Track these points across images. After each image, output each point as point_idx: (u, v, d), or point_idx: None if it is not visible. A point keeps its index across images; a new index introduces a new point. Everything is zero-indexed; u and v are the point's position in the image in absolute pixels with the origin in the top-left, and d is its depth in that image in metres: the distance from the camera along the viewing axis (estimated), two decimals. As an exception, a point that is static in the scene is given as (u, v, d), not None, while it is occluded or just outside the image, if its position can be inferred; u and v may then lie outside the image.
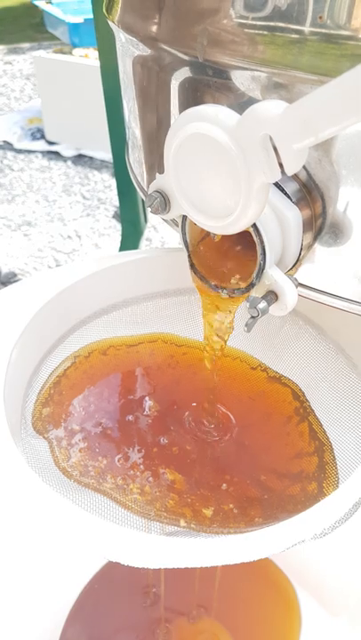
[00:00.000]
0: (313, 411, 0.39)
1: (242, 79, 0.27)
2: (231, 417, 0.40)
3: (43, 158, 1.77)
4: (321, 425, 0.38)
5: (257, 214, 0.24)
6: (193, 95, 0.30)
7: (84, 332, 0.43)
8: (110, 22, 0.38)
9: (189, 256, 0.31)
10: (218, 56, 0.27)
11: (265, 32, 0.24)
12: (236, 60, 0.26)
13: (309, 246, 0.29)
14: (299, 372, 0.41)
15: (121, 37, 0.37)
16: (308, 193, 0.28)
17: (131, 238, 0.76)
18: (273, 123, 0.21)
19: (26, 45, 3.27)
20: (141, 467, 0.36)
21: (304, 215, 0.28)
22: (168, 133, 0.25)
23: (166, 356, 0.45)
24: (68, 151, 1.78)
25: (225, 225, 0.25)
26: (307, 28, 0.23)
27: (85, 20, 1.74)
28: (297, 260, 0.29)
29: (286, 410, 0.40)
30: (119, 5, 0.36)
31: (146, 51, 0.33)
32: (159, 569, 0.57)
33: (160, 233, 1.32)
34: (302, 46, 0.23)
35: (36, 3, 2.02)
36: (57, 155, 1.78)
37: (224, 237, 0.30)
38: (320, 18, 0.23)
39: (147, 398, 0.42)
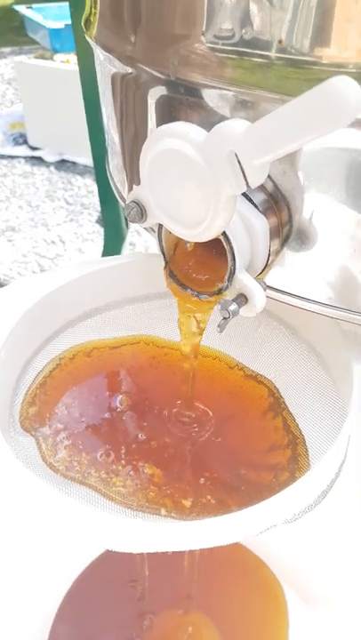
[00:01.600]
0: (287, 406, 0.41)
1: (211, 97, 0.29)
2: (210, 413, 0.42)
3: (25, 164, 1.78)
4: (294, 419, 0.40)
5: (225, 223, 0.27)
6: (167, 110, 0.32)
7: (68, 334, 0.45)
8: (88, 38, 0.40)
9: (166, 262, 0.32)
10: (189, 75, 0.29)
11: (233, 56, 0.26)
12: (206, 79, 0.29)
13: (277, 252, 0.32)
14: (273, 371, 0.44)
15: (98, 53, 0.39)
16: (275, 202, 0.30)
17: (113, 243, 0.78)
18: (237, 140, 0.23)
19: (6, 50, 3.27)
20: (123, 462, 0.37)
21: (271, 223, 0.30)
22: (143, 148, 0.27)
23: (148, 357, 0.47)
24: (50, 156, 1.79)
25: (197, 233, 0.28)
26: (272, 54, 0.25)
27: (66, 25, 1.75)
28: (265, 265, 0.31)
29: (262, 406, 0.42)
30: (96, 23, 0.38)
31: (122, 68, 0.35)
32: (144, 563, 0.59)
33: (143, 237, 1.34)
34: (268, 70, 0.25)
35: (17, 7, 2.03)
36: (40, 160, 1.79)
37: (197, 244, 0.32)
38: (280, 42, 0.25)
39: (129, 397, 0.44)
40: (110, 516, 0.27)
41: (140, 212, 0.30)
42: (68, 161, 1.77)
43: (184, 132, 0.25)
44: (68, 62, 1.71)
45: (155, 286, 0.47)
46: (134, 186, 0.29)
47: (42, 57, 1.77)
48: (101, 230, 1.44)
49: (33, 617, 0.55)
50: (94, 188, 1.64)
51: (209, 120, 0.29)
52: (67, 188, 1.64)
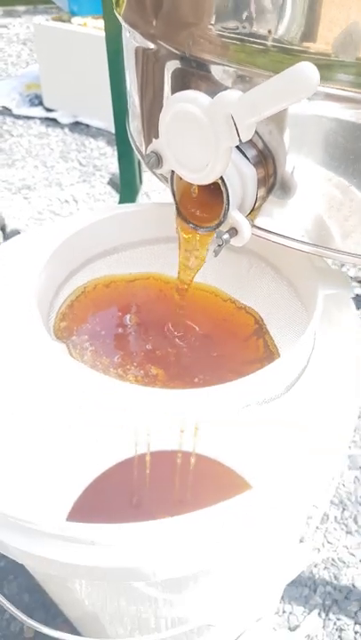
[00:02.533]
0: (268, 331, 0.51)
1: (217, 71, 0.37)
2: (205, 334, 0.51)
3: (41, 125, 1.84)
4: (273, 340, 0.49)
5: (223, 169, 0.35)
6: (181, 79, 0.40)
7: (90, 268, 0.53)
8: (116, 14, 0.48)
9: (176, 203, 0.41)
10: (199, 53, 0.38)
11: (236, 42, 0.34)
12: (213, 57, 0.37)
13: (264, 198, 0.40)
14: (260, 303, 0.53)
15: (125, 28, 0.47)
16: (263, 157, 0.39)
17: (128, 196, 0.86)
18: (232, 105, 0.32)
19: (21, 9, 3.27)
20: (135, 364, 0.47)
21: (259, 173, 0.38)
22: (162, 110, 0.36)
23: (157, 289, 0.56)
24: (65, 118, 1.85)
25: (201, 177, 0.36)
26: (268, 43, 0.33)
27: (84, -11, 1.79)
28: (253, 208, 0.40)
29: (248, 330, 0.51)
30: (124, 5, 0.46)
31: (144, 43, 0.43)
32: (144, 474, 0.69)
33: (152, 199, 1.41)
34: (264, 54, 0.34)
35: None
36: (54, 121, 1.86)
37: (200, 189, 0.40)
38: (269, 32, 0.33)
39: (139, 319, 0.53)
40: (131, 385, 0.37)
41: (158, 161, 0.38)
42: (81, 123, 1.83)
43: (193, 98, 0.34)
44: (85, 25, 1.76)
45: (163, 231, 0.56)
46: (153, 139, 0.38)
47: (59, 19, 1.82)
48: (112, 192, 1.52)
49: (53, 503, 0.65)
50: (107, 150, 1.70)
51: (213, 89, 0.38)
52: (80, 150, 1.70)
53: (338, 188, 0.38)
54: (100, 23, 1.75)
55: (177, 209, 0.42)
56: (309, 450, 0.41)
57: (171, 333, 0.51)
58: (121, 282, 0.56)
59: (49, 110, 1.89)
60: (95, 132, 1.79)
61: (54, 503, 0.45)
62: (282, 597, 0.70)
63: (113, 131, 1.76)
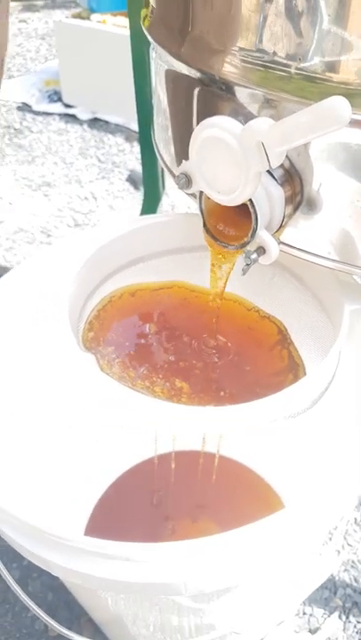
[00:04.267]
0: (293, 341, 0.51)
1: (244, 95, 0.38)
2: (229, 344, 0.52)
3: (60, 121, 1.85)
4: (297, 351, 0.50)
5: (252, 192, 0.36)
6: (209, 101, 0.41)
7: (118, 277, 0.54)
8: (144, 29, 0.49)
9: (204, 221, 0.42)
10: (226, 76, 0.38)
11: (260, 68, 0.35)
12: (239, 80, 0.37)
13: (290, 215, 0.41)
14: (283, 313, 0.53)
15: (151, 47, 0.47)
16: (291, 177, 0.39)
17: (151, 201, 0.87)
18: (263, 134, 0.32)
19: (40, 3, 3.27)
20: (160, 376, 0.48)
21: (286, 193, 0.39)
22: (193, 134, 0.36)
23: (181, 298, 0.57)
24: (84, 114, 1.86)
25: (230, 199, 0.37)
26: (292, 70, 0.33)
27: (103, -15, 1.79)
28: (281, 226, 0.40)
29: (272, 340, 0.52)
30: (151, 22, 0.46)
31: (172, 62, 0.43)
32: (169, 475, 0.70)
33: (170, 198, 1.42)
34: (288, 81, 0.34)
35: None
36: (73, 118, 1.86)
37: (228, 208, 0.41)
38: (299, 60, 0.34)
39: (164, 329, 0.54)
40: (157, 400, 0.38)
41: (188, 182, 0.39)
42: (100, 119, 1.84)
43: (224, 124, 0.34)
44: (104, 22, 1.76)
45: (188, 241, 0.57)
46: (183, 161, 0.39)
47: (79, 16, 1.82)
48: (131, 188, 1.53)
49: (76, 505, 0.67)
50: (125, 146, 1.71)
51: (241, 112, 0.38)
52: (99, 147, 1.71)
53: (365, 208, 0.38)
54: (119, 20, 1.74)
55: (205, 227, 0.42)
56: (336, 463, 0.41)
57: (196, 343, 0.51)
58: (146, 290, 0.57)
59: (68, 106, 1.90)
60: (114, 129, 1.79)
61: (82, 498, 0.46)
62: (303, 600, 0.71)
63: (131, 127, 1.77)
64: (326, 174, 0.38)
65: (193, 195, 0.43)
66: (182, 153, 0.47)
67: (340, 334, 0.41)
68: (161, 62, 0.45)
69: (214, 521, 0.75)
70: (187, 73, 0.42)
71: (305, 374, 0.48)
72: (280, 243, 0.42)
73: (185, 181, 0.39)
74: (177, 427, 0.38)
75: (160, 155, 0.54)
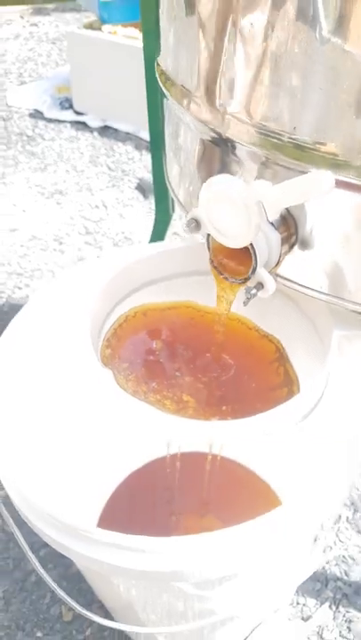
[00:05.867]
0: (289, 359, 0.57)
1: (244, 153, 0.43)
2: (232, 361, 0.58)
3: (71, 128, 1.91)
4: (293, 368, 0.56)
5: (253, 238, 0.42)
6: (216, 157, 0.47)
7: (132, 298, 0.60)
8: (157, 72, 0.55)
9: (210, 258, 0.48)
10: (232, 137, 0.44)
11: (261, 136, 0.41)
12: (240, 140, 0.43)
13: (286, 253, 0.47)
14: (281, 333, 0.59)
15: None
16: (287, 222, 0.45)
17: (161, 226, 0.94)
18: (263, 195, 0.38)
19: (50, 6, 3.32)
20: (169, 391, 0.54)
21: (282, 235, 0.45)
22: (202, 188, 0.42)
23: (189, 317, 0.63)
24: (94, 122, 1.91)
25: (234, 243, 0.43)
26: (285, 139, 0.39)
27: (115, -3, 1.84)
28: (277, 263, 0.46)
29: (270, 357, 0.58)
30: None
31: (181, 112, 0.49)
32: (175, 474, 0.77)
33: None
34: (282, 147, 0.40)
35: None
36: (84, 125, 1.92)
37: (232, 249, 0.47)
38: (294, 128, 0.40)
39: (173, 346, 0.60)
40: (168, 415, 0.44)
41: (197, 226, 0.45)
42: (110, 127, 1.90)
43: (229, 182, 0.40)
44: (114, 33, 1.81)
45: (196, 266, 0.62)
46: (193, 208, 0.45)
47: (90, 27, 1.87)
48: (140, 197, 1.59)
49: (91, 498, 0.73)
50: (134, 155, 1.77)
51: (243, 168, 0.44)
52: (109, 155, 1.77)
53: (351, 250, 0.44)
54: (130, 31, 1.80)
55: (212, 262, 0.48)
56: (325, 466, 0.47)
57: (202, 360, 0.58)
58: (157, 310, 0.63)
59: (79, 114, 1.96)
60: (124, 137, 1.85)
61: (98, 493, 0.52)
62: (296, 590, 0.77)
63: (141, 135, 1.83)
64: (318, 219, 0.44)
65: (201, 235, 0.49)
66: (193, 194, 0.53)
67: (329, 357, 0.47)
68: (173, 112, 0.51)
69: (218, 517, 0.81)
70: (194, 124, 0.48)
71: (299, 390, 0.55)
72: (277, 276, 0.48)
73: (194, 225, 0.45)
74: (184, 438, 0.44)
75: (170, 186, 0.60)
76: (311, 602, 0.76)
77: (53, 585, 0.52)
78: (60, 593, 0.52)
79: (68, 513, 0.43)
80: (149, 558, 0.41)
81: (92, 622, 0.80)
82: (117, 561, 0.41)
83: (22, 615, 0.77)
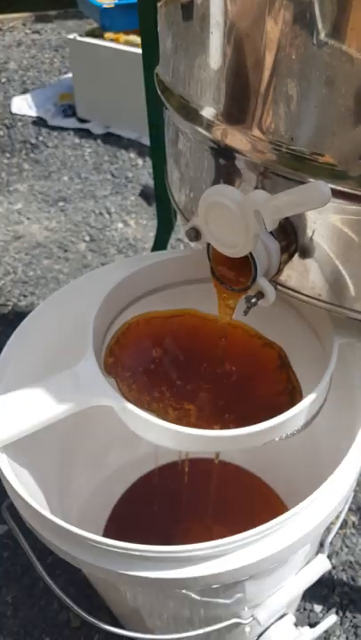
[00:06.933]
0: (291, 366, 0.57)
1: (242, 163, 0.44)
2: (234, 368, 0.58)
3: (74, 136, 1.92)
4: (295, 375, 0.56)
5: (252, 247, 0.42)
6: (215, 165, 0.47)
7: (135, 307, 0.61)
8: (156, 81, 0.55)
9: (211, 267, 0.48)
10: (233, 145, 0.44)
11: (259, 146, 0.41)
12: (241, 151, 0.44)
13: (286, 262, 0.47)
14: (283, 340, 0.60)
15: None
16: (286, 231, 0.45)
17: (164, 233, 0.94)
18: (260, 204, 0.38)
19: (53, 13, 3.34)
20: (171, 399, 0.54)
21: (282, 244, 0.45)
22: (201, 198, 0.43)
23: (191, 325, 0.63)
24: (97, 129, 1.92)
25: (233, 252, 0.43)
26: (283, 149, 0.40)
27: (116, 4, 1.85)
28: (277, 272, 0.46)
29: (273, 364, 0.58)
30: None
31: (181, 122, 0.49)
32: (183, 482, 0.77)
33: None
34: (281, 157, 0.40)
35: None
36: (87, 132, 1.93)
37: (232, 257, 0.47)
38: (292, 139, 0.40)
39: (176, 354, 0.60)
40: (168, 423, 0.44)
41: (197, 235, 0.45)
42: (113, 134, 1.91)
43: (227, 192, 0.41)
44: (116, 40, 1.82)
45: (197, 274, 0.63)
46: (193, 217, 0.45)
47: (92, 34, 1.88)
48: (144, 203, 1.59)
49: (96, 506, 0.74)
50: (138, 161, 1.77)
51: (242, 177, 0.44)
52: (112, 161, 1.78)
53: (351, 258, 0.44)
54: (131, 38, 1.81)
55: (212, 271, 0.49)
56: (328, 471, 0.47)
57: (204, 367, 0.58)
58: (160, 318, 0.63)
59: (82, 121, 1.97)
60: (127, 143, 1.86)
61: (104, 499, 0.52)
62: (303, 596, 0.77)
63: (143, 142, 1.84)
64: (318, 228, 0.44)
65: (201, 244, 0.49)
66: (193, 203, 0.54)
67: (330, 364, 0.47)
68: (172, 122, 0.52)
69: (222, 523, 0.81)
70: (194, 138, 0.48)
71: (301, 397, 0.55)
72: (277, 285, 0.48)
73: (195, 234, 0.45)
74: (187, 446, 0.44)
75: (171, 194, 0.60)
76: (318, 608, 0.76)
77: (60, 593, 0.52)
78: (67, 600, 0.52)
79: (73, 521, 0.43)
80: (155, 565, 0.41)
81: (99, 628, 0.80)
82: (123, 568, 0.42)
83: (30, 621, 0.78)
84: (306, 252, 0.46)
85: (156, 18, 0.54)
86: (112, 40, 1.84)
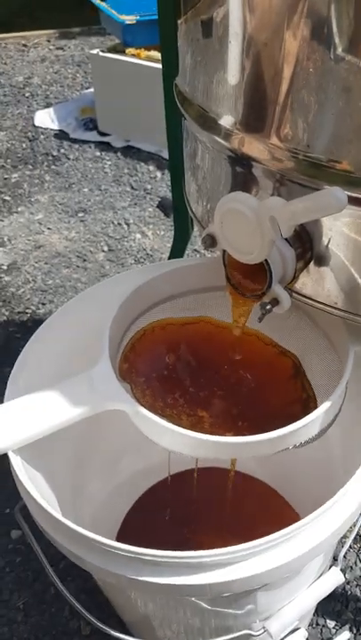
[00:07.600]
0: (305, 374, 0.57)
1: (259, 171, 0.44)
2: (249, 376, 0.58)
3: (95, 149, 1.94)
4: (310, 383, 0.56)
5: (267, 254, 0.43)
6: (231, 174, 0.48)
7: (151, 314, 0.61)
8: (176, 96, 0.56)
9: (226, 273, 0.49)
10: (246, 151, 0.45)
11: (276, 153, 0.42)
12: (258, 159, 0.44)
13: (302, 269, 0.47)
14: (298, 348, 0.59)
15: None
16: (302, 238, 0.45)
17: (181, 241, 0.95)
18: (276, 210, 0.39)
19: (76, 30, 3.40)
20: (185, 406, 0.55)
21: (297, 251, 0.45)
22: (217, 205, 0.43)
23: (206, 332, 0.63)
24: (118, 142, 1.95)
25: (249, 259, 0.44)
26: (300, 157, 0.40)
27: (137, 20, 1.89)
28: (293, 279, 0.46)
29: (287, 373, 0.58)
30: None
31: (199, 132, 0.50)
32: (192, 488, 0.77)
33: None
34: (298, 164, 0.41)
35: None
36: (108, 145, 1.96)
37: (247, 264, 0.47)
38: (308, 146, 0.40)
39: (190, 361, 0.60)
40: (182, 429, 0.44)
41: (213, 242, 0.46)
42: (133, 147, 1.93)
43: (243, 199, 0.41)
44: (138, 56, 1.85)
45: (213, 282, 0.63)
46: (210, 224, 0.46)
47: (114, 49, 1.92)
48: (162, 215, 1.61)
49: (110, 512, 0.74)
50: (157, 174, 1.79)
51: (259, 184, 0.45)
52: (132, 174, 1.80)
53: (366, 266, 0.44)
54: (152, 54, 1.84)
55: (227, 278, 0.49)
56: (342, 482, 0.47)
57: (219, 375, 0.58)
58: (175, 325, 0.64)
59: (103, 134, 2.00)
60: (146, 157, 1.88)
61: (117, 506, 0.52)
62: (316, 611, 0.76)
63: (163, 155, 1.86)
64: (333, 235, 0.45)
65: (217, 251, 0.50)
66: (209, 211, 0.54)
67: (346, 373, 0.47)
68: (191, 132, 0.53)
69: (234, 531, 0.81)
70: (212, 147, 0.49)
71: (316, 405, 0.54)
72: (293, 292, 0.48)
73: (210, 242, 0.46)
74: (201, 453, 0.44)
75: (189, 205, 0.61)
76: (331, 623, 0.75)
77: (71, 599, 0.52)
78: (78, 606, 0.52)
79: (85, 527, 0.44)
80: (166, 571, 0.41)
81: (110, 637, 0.80)
82: (134, 573, 0.42)
83: (41, 628, 0.78)
84: (321, 260, 0.46)
85: (176, 33, 0.55)
86: (133, 55, 1.87)
